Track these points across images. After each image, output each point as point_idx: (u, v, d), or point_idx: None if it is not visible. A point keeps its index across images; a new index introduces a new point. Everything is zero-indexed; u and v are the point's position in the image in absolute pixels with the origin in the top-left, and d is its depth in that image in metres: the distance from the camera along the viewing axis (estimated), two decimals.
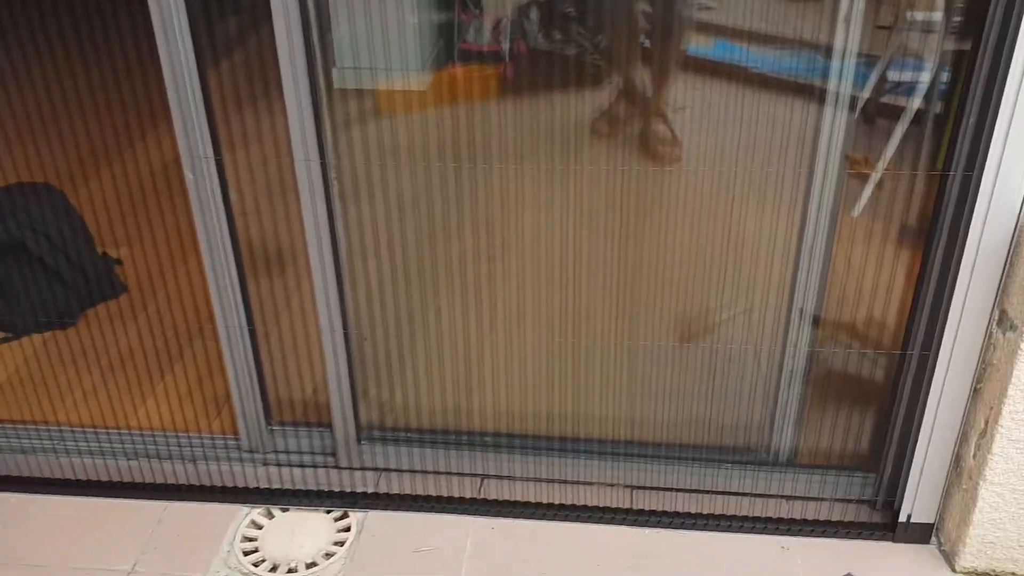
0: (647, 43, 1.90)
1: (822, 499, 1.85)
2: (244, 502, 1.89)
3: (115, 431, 1.99)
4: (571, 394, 1.93)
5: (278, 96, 1.64)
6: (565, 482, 1.91)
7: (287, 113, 1.62)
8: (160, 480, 1.93)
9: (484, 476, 1.94)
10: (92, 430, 2.00)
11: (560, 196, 1.83)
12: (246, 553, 1.79)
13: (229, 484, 1.92)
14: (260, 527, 1.85)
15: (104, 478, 1.94)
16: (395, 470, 1.94)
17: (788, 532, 1.80)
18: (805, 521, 1.81)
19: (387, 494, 1.90)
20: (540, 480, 1.92)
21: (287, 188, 1.69)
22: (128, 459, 1.96)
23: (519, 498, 1.89)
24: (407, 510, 1.87)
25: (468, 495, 1.90)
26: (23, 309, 2.34)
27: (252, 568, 1.76)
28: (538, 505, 1.87)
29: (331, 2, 1.76)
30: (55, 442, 1.98)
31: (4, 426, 2.02)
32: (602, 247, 1.85)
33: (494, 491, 1.91)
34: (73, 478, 1.94)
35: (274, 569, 1.76)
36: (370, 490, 1.91)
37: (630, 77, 1.90)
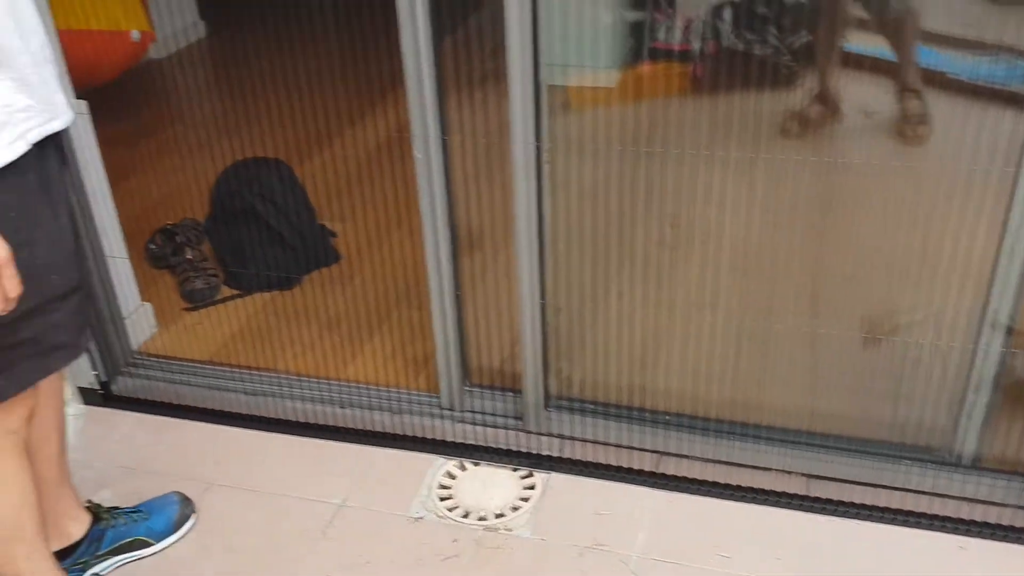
0: (845, 46, 1.94)
1: (1005, 505, 1.84)
2: (440, 453, 2.07)
3: (332, 381, 2.23)
4: (751, 381, 2.00)
5: (503, 81, 1.78)
6: (742, 466, 1.98)
7: (510, 98, 1.76)
8: (367, 428, 2.14)
9: (662, 453, 2.03)
10: (314, 380, 2.24)
11: (748, 190, 1.90)
12: (442, 499, 1.97)
13: (428, 436, 2.11)
14: (454, 477, 2.02)
15: (320, 422, 2.17)
16: (579, 439, 2.07)
17: (967, 533, 1.81)
18: (986, 524, 1.81)
19: (570, 459, 2.03)
20: (717, 462, 2.00)
21: (505, 168, 1.85)
22: (341, 407, 2.19)
23: (696, 476, 1.98)
24: (588, 476, 2.00)
25: (647, 468, 2.01)
26: (253, 270, 2.62)
27: (447, 512, 1.93)
28: (714, 484, 1.95)
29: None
30: (281, 387, 2.23)
31: (239, 371, 2.29)
32: (788, 240, 1.91)
33: (672, 468, 2.01)
34: (294, 420, 2.18)
35: (466, 515, 1.93)
36: (554, 454, 2.05)
37: (825, 79, 1.94)
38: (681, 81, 2.09)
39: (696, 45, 2.09)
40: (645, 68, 2.17)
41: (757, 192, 1.92)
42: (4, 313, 1.22)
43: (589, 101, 2.19)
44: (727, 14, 2.08)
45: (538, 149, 1.81)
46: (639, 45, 2.15)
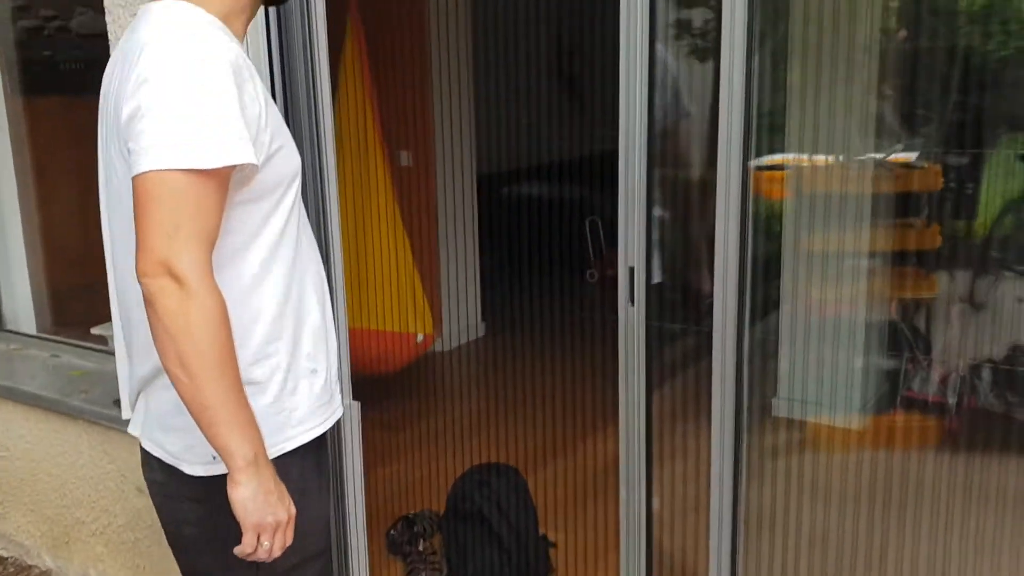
0: None
1: None
2: None
3: None
4: None
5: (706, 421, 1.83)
6: None
7: (711, 437, 1.80)
8: None
9: None
10: None
11: (988, 561, 1.74)
12: None
13: None
14: None
15: None
16: None
17: None
18: None
19: None
20: None
21: (700, 508, 1.85)
22: None
23: None
24: None
25: None
26: (470, 571, 2.71)
27: None
28: None
29: (781, 337, 1.93)
30: None
31: None
32: None
33: None
34: None
35: None
36: None
37: None
38: (932, 434, 2.03)
39: (952, 399, 2.04)
40: (894, 416, 2.12)
41: (999, 564, 1.76)
42: (269, 560, 1.43)
43: (828, 441, 2.15)
44: (986, 373, 2.00)
45: (735, 492, 1.80)
46: (891, 392, 2.12)
